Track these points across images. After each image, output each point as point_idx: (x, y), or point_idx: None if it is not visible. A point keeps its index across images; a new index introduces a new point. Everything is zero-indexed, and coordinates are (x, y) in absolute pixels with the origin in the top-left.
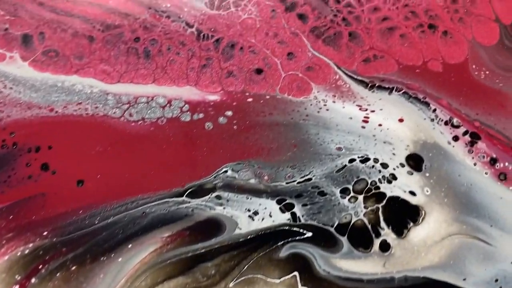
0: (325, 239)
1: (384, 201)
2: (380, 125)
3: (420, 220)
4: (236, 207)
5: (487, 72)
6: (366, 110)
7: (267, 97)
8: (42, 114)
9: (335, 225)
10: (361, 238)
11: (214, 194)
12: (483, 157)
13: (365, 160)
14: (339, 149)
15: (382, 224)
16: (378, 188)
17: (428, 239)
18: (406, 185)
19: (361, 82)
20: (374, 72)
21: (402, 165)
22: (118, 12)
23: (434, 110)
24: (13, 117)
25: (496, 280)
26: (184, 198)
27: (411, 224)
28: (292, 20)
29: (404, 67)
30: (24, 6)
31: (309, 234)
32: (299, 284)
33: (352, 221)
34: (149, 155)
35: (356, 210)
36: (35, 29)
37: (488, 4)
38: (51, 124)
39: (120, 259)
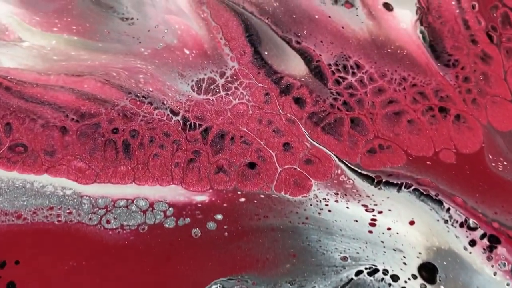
0: None
1: None
2: (389, 229)
3: None
4: None
5: (505, 163)
6: (373, 210)
7: (262, 196)
8: (8, 222)
9: None
10: None
11: None
12: (504, 264)
13: (373, 272)
14: (344, 259)
15: None
16: None
17: None
18: None
19: (366, 178)
20: (380, 165)
21: (415, 277)
22: (94, 98)
23: (448, 210)
24: None
25: None
26: None
27: None
28: (288, 105)
29: (414, 159)
30: None
31: None
32: None
33: None
34: (128, 270)
35: None
36: (1, 119)
37: (503, 82)
38: (18, 234)
39: None
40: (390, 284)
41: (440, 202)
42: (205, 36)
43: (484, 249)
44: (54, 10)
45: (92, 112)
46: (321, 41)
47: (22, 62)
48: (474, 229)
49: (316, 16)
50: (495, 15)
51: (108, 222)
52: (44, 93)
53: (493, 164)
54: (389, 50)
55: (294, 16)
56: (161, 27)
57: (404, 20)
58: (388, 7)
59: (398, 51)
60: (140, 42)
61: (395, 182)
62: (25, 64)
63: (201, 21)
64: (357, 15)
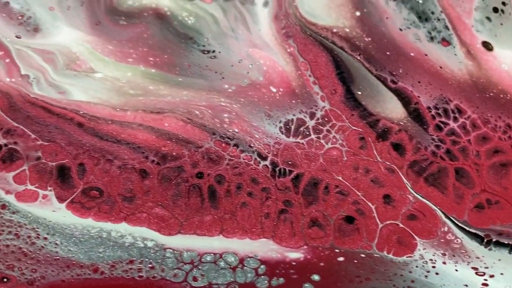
0: None
1: None
2: None
3: None
4: None
5: None
6: (484, 274)
7: (362, 255)
8: (84, 276)
9: None
10: None
11: None
12: None
13: None
14: None
15: None
16: None
17: None
18: None
19: (475, 236)
20: (489, 223)
21: None
22: (175, 138)
23: None
24: (49, 279)
25: None
26: None
27: None
28: (386, 151)
29: None
30: (59, 127)
31: None
32: None
33: None
34: None
35: None
36: (73, 159)
37: None
38: None
39: None
40: None
41: None
42: (292, 72)
43: None
44: (128, 38)
45: (174, 154)
46: (419, 81)
47: (95, 95)
48: None
49: (412, 54)
50: None
51: (194, 279)
52: (121, 130)
53: None
54: (491, 94)
55: (388, 53)
56: (245, 61)
57: (506, 62)
58: (487, 46)
59: (501, 95)
60: (223, 77)
61: (506, 242)
62: (99, 97)
63: (287, 56)
64: (455, 54)
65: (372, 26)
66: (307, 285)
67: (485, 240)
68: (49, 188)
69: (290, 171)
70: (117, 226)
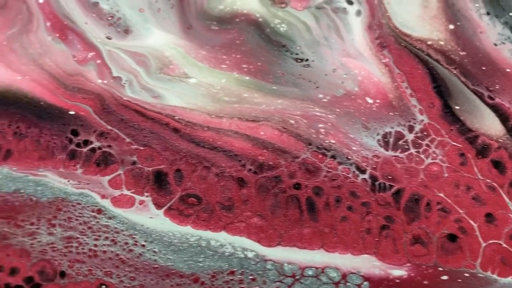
0: None
1: None
2: None
3: None
4: None
5: None
6: None
7: (466, 274)
8: (185, 286)
9: None
10: None
11: None
12: None
13: None
14: None
15: None
16: None
17: None
18: None
19: None
20: None
21: None
22: (271, 147)
23: None
24: (148, 287)
25: None
26: None
27: None
28: (486, 168)
29: None
30: (155, 132)
31: None
32: None
33: None
34: None
35: None
36: (170, 165)
37: None
38: None
39: None
40: None
41: None
42: (388, 84)
43: None
44: (221, 44)
45: (270, 163)
46: None
47: (190, 101)
48: None
49: (508, 70)
50: None
51: None
52: (217, 137)
53: None
54: None
55: (483, 68)
56: (339, 71)
57: None
58: None
59: None
60: (317, 87)
61: None
62: (194, 103)
63: (383, 67)
64: None
65: (467, 40)
66: None
67: None
68: (145, 194)
69: (391, 186)
70: (217, 235)
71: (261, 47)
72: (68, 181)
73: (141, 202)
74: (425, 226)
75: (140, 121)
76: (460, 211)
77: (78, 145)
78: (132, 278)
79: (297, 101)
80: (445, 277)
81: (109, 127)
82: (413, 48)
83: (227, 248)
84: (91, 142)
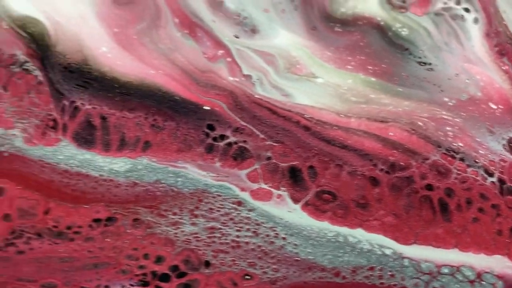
0: None
1: None
2: None
3: None
4: None
5: None
6: None
7: None
8: (326, 279)
9: None
10: None
11: None
12: None
13: None
14: None
15: None
16: None
17: None
18: None
19: None
20: None
21: None
22: (402, 148)
23: None
24: (291, 280)
25: None
26: None
27: None
28: None
29: None
30: (287, 129)
31: None
32: None
33: None
34: None
35: None
36: (304, 161)
37: None
38: None
39: None
40: None
41: None
42: (510, 90)
43: None
44: (345, 46)
45: (401, 163)
46: None
47: (319, 100)
48: None
49: None
50: None
51: None
52: (347, 137)
53: None
54: None
55: None
56: (461, 76)
57: None
58: None
59: None
60: (442, 90)
61: None
62: (322, 102)
63: (503, 74)
64: None
65: None
66: None
67: None
68: (282, 189)
69: None
70: (354, 231)
71: (384, 50)
72: (208, 173)
73: (279, 196)
74: None
75: (272, 118)
76: None
77: (214, 139)
78: (275, 270)
79: (424, 104)
80: None
81: (243, 123)
82: None
83: (364, 244)
84: (227, 137)
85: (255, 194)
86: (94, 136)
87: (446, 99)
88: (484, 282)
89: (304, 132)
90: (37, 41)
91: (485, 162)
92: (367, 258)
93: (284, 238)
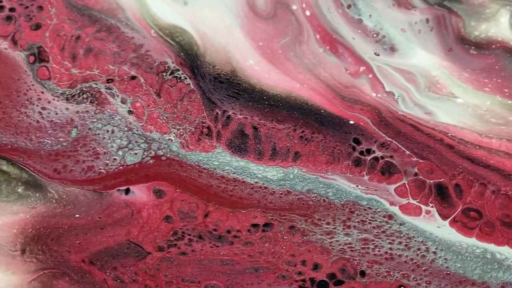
0: None
1: None
2: None
3: None
4: None
5: None
6: None
7: None
8: None
9: None
10: None
11: None
12: None
13: None
14: None
15: None
16: None
17: None
18: None
19: None
20: None
21: None
22: None
23: None
24: None
25: None
26: None
27: None
28: None
29: None
30: (431, 146)
31: None
32: None
33: None
34: None
35: None
36: (449, 179)
37: None
38: None
39: None
40: None
41: None
42: None
43: None
44: (481, 68)
45: None
46: None
47: (460, 119)
48: None
49: None
50: None
51: None
52: (489, 157)
53: None
54: None
55: None
56: None
57: None
58: None
59: None
60: None
61: None
62: (463, 122)
63: None
64: None
65: None
66: None
67: None
68: (430, 204)
69: None
70: (501, 249)
71: None
72: (357, 186)
73: (427, 212)
74: None
75: (416, 135)
76: None
77: (361, 153)
78: (428, 282)
79: None
80: None
81: (389, 139)
82: None
83: (510, 261)
84: (373, 152)
85: (404, 208)
86: (247, 145)
87: None
88: None
89: (448, 150)
90: (186, 50)
91: None
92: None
93: (434, 252)
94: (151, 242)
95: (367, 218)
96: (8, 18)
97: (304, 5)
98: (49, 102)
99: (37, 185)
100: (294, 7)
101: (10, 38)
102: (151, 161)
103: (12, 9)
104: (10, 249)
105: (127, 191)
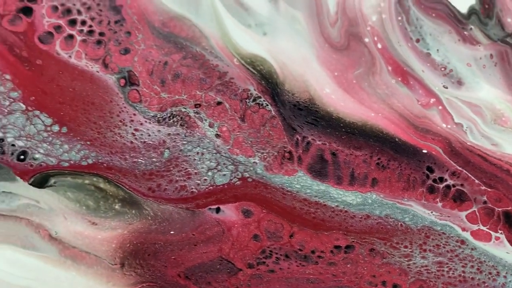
0: None
1: None
2: None
3: None
4: None
5: None
6: None
7: None
8: None
9: None
10: None
11: None
12: None
13: None
14: None
15: None
16: None
17: None
18: None
19: None
20: None
21: None
22: None
23: None
24: None
25: None
26: None
27: None
28: None
29: None
30: (498, 176)
31: None
32: None
33: None
34: None
35: None
36: None
37: None
38: None
39: None
40: None
41: None
42: None
43: None
44: None
45: None
46: None
47: None
48: None
49: None
50: None
51: None
52: None
53: None
54: None
55: None
56: None
57: None
58: None
59: None
60: None
61: None
62: None
63: None
64: None
65: None
66: None
67: None
68: (499, 231)
69: None
70: None
71: None
72: (431, 212)
73: (497, 238)
74: None
75: (484, 165)
76: None
77: (434, 181)
78: None
79: None
80: None
81: (459, 168)
82: None
83: None
84: (446, 180)
85: (476, 234)
86: (326, 170)
87: None
88: None
89: None
90: (266, 79)
91: None
92: None
93: (505, 277)
94: (241, 259)
95: (441, 242)
96: (99, 42)
97: (375, 38)
98: (141, 124)
99: (133, 203)
100: (366, 39)
101: (101, 61)
102: (238, 182)
103: (101, 33)
104: (110, 262)
105: (218, 210)
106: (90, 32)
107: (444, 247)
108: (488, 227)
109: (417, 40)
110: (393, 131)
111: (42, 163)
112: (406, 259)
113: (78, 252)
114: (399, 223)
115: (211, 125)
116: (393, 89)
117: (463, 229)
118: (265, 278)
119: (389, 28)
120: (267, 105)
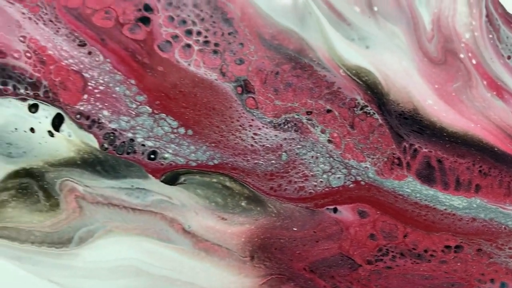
0: None
1: None
2: None
3: None
4: None
5: None
6: None
7: None
8: None
9: None
10: None
11: None
12: None
13: None
14: None
15: None
16: None
17: None
18: None
19: None
20: None
21: None
22: None
23: None
24: None
25: None
26: None
27: None
28: None
29: None
30: None
31: None
32: None
33: None
34: None
35: None
36: None
37: None
38: None
39: None
40: None
41: None
42: None
43: None
44: None
45: None
46: None
47: None
48: None
49: None
50: None
51: None
52: None
53: None
54: None
55: None
56: None
57: None
58: None
59: None
60: None
61: None
62: None
63: None
64: None
65: None
66: None
67: None
68: None
69: None
70: None
71: None
72: None
73: None
74: None
75: None
76: None
77: None
78: None
79: None
80: None
81: None
82: None
83: None
84: None
85: None
86: (434, 176)
87: None
88: None
89: None
90: (372, 89)
91: None
92: None
93: None
94: (360, 256)
95: None
96: (215, 52)
97: (470, 54)
98: (259, 128)
99: (257, 200)
100: (461, 55)
101: (218, 70)
102: (352, 185)
103: (216, 44)
104: (240, 255)
105: (335, 210)
106: (206, 42)
107: None
108: None
109: (508, 57)
110: (492, 141)
111: (172, 162)
112: (511, 260)
113: (210, 245)
114: (503, 226)
115: (322, 131)
116: (489, 102)
117: None
118: (383, 274)
119: (481, 45)
120: (374, 113)
